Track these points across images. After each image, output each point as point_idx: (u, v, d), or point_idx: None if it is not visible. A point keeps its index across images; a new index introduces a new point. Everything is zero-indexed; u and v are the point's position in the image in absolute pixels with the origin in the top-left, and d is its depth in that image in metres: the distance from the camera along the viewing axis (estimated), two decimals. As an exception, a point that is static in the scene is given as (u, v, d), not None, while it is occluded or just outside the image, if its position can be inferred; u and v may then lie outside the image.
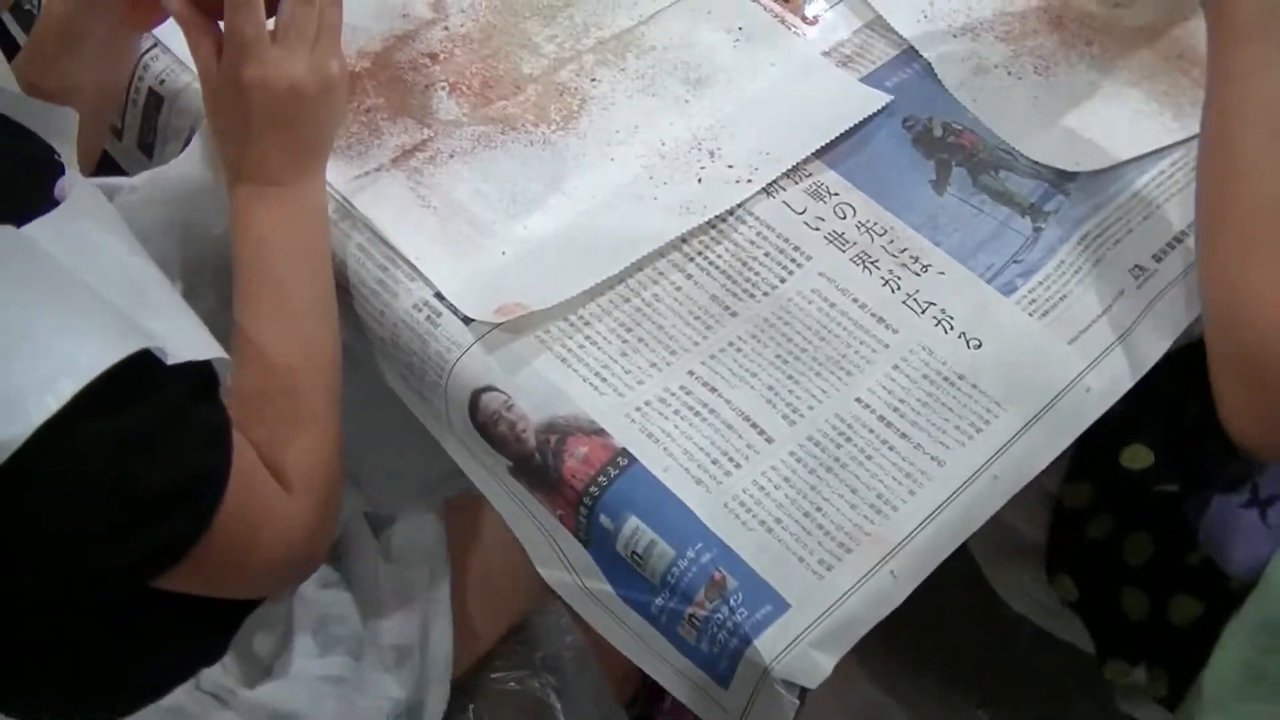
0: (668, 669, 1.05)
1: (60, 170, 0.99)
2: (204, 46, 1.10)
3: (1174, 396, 1.26)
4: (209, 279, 1.22)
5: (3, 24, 1.43)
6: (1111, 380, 1.13)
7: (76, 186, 0.98)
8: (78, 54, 1.19)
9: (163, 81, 1.31)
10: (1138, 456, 1.32)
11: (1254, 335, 1.04)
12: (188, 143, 1.27)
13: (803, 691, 0.98)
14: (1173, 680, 1.33)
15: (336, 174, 1.20)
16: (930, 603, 1.54)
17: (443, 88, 1.28)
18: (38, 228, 0.91)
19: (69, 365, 0.85)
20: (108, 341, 0.87)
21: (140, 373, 0.89)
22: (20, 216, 0.91)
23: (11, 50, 1.17)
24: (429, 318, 1.12)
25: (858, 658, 1.76)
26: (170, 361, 0.91)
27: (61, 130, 1.05)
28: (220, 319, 1.19)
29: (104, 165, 1.35)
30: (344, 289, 1.16)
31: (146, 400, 0.91)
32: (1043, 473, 1.11)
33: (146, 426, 0.91)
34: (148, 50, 1.32)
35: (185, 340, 0.96)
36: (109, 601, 1.08)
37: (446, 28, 1.33)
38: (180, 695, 1.19)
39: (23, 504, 0.87)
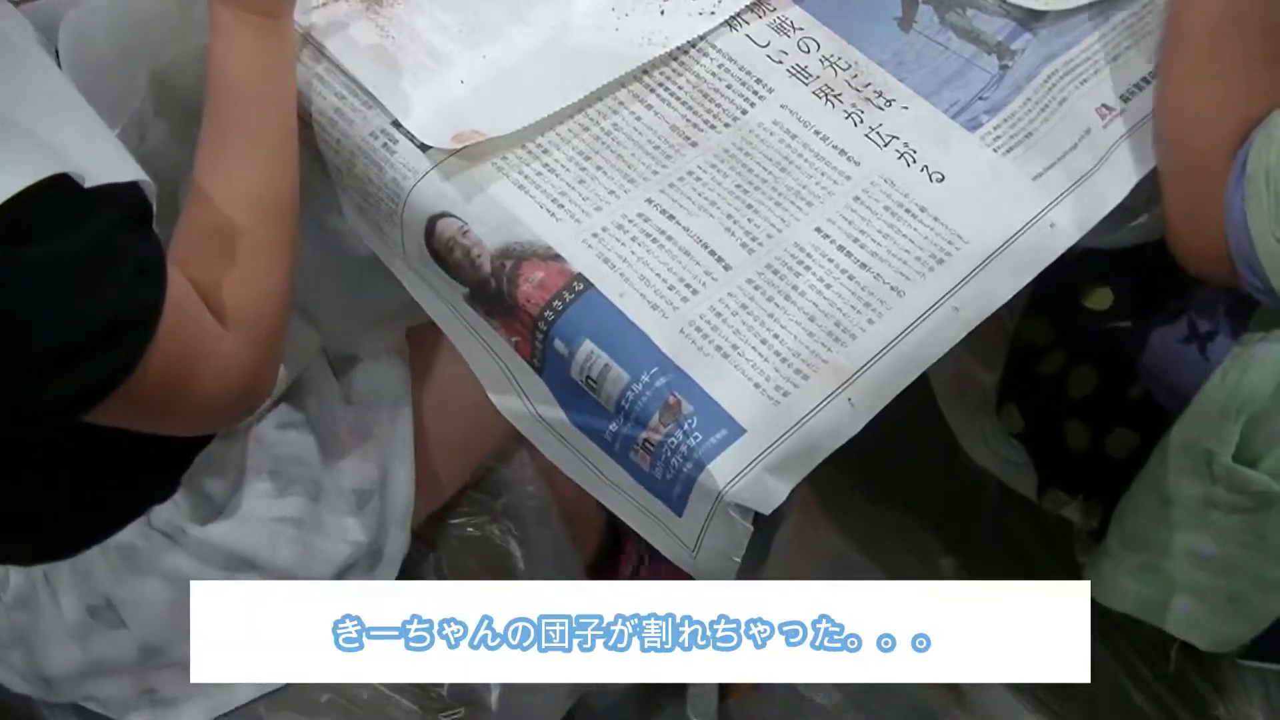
0: (622, 498, 1.05)
1: None
2: None
3: (1138, 246, 1.26)
4: (159, 107, 1.19)
5: None
6: (1075, 218, 1.12)
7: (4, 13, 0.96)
8: None
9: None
10: (1099, 298, 1.32)
11: (1196, 149, 1.11)
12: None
13: (757, 517, 0.97)
14: (1106, 514, 1.34)
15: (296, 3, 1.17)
16: (898, 455, 1.56)
17: (403, -80, 1.25)
18: None
19: None
20: (20, 165, 0.84)
21: (60, 199, 0.86)
22: None
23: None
24: (385, 145, 1.10)
25: (824, 508, 1.78)
26: (89, 184, 0.88)
27: None
28: (171, 150, 1.18)
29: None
30: (302, 120, 1.15)
31: (67, 228, 0.88)
32: (1006, 317, 1.10)
33: (69, 255, 0.88)
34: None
35: (106, 163, 0.93)
36: (47, 436, 1.07)
37: None
38: (131, 533, 1.18)
39: None
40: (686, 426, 0.97)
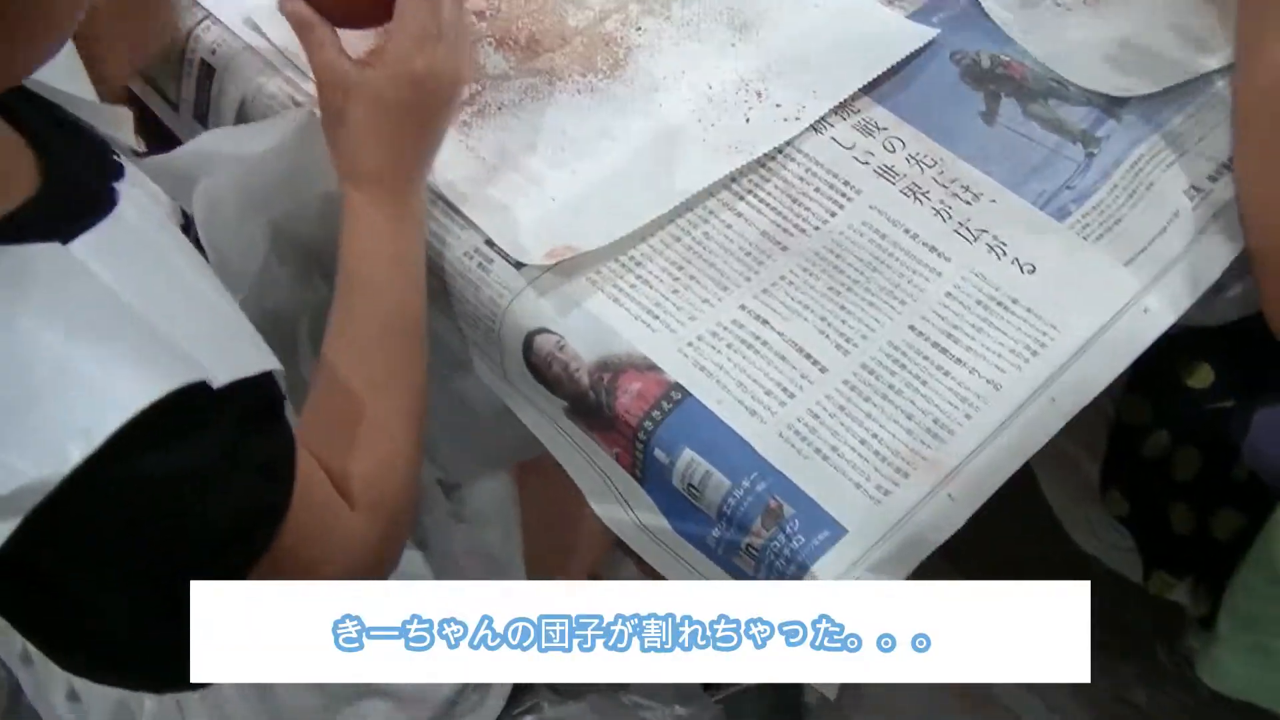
0: (730, 603, 1.05)
1: (120, 171, 0.97)
2: (328, 43, 1.09)
3: (1239, 321, 1.25)
4: (281, 255, 1.22)
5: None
6: (1170, 300, 1.12)
7: (130, 186, 0.96)
8: None
9: (214, 52, 1.32)
10: (1200, 375, 1.32)
11: (1275, 234, 1.11)
12: (238, 112, 1.28)
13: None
14: (1215, 597, 1.32)
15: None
16: (1002, 544, 1.55)
17: (489, 43, 1.28)
18: (88, 242, 0.87)
19: (110, 401, 0.80)
20: (153, 373, 0.82)
21: (191, 404, 0.84)
22: (72, 228, 0.86)
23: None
24: (480, 265, 1.13)
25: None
26: (219, 384, 0.86)
27: (117, 127, 1.04)
28: (295, 294, 1.20)
29: (163, 138, 1.36)
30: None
31: (197, 434, 0.86)
32: (1106, 400, 1.10)
33: (198, 462, 0.86)
34: (199, 22, 1.33)
35: (238, 355, 0.92)
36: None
37: (491, -15, 1.33)
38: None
39: (64, 546, 0.83)
40: (789, 530, 0.98)
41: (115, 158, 0.99)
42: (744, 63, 1.26)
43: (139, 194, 0.96)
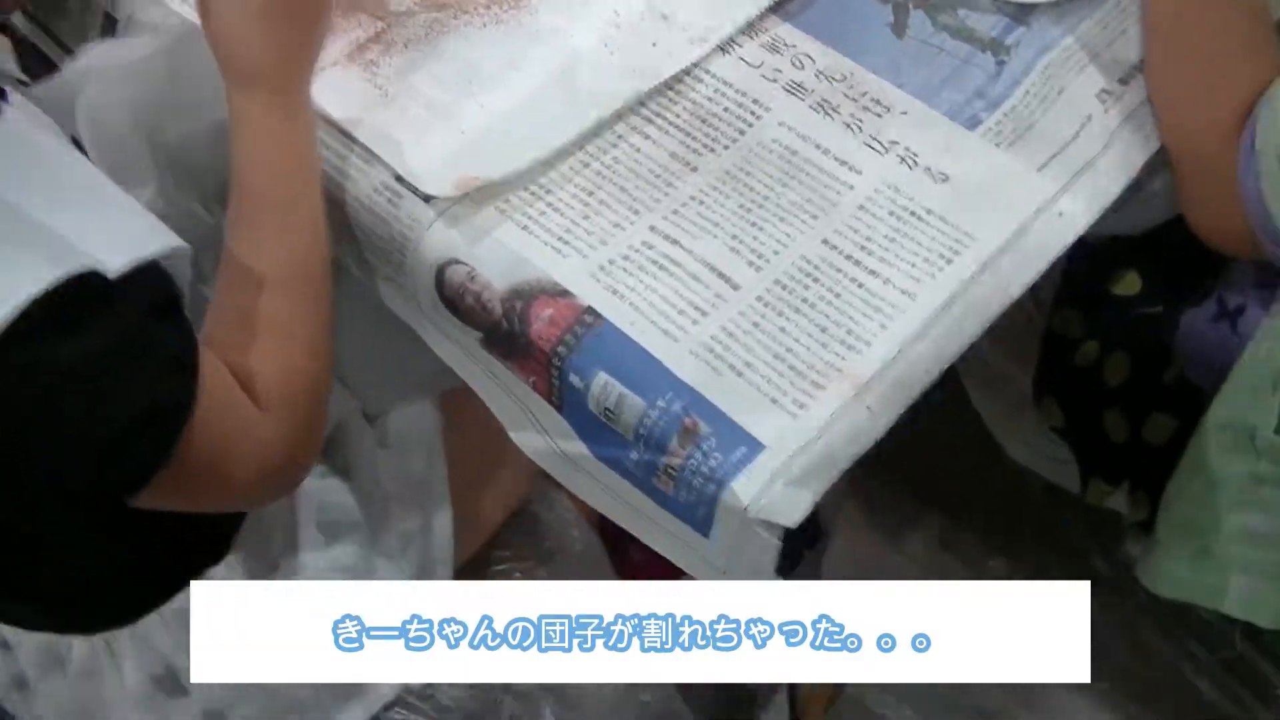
0: (651, 526, 1.05)
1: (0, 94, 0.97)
2: None
3: (1162, 227, 1.25)
4: (179, 181, 1.21)
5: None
6: (1085, 203, 1.11)
7: (14, 105, 0.96)
8: None
9: (114, 2, 1.30)
10: (1128, 283, 1.32)
11: (1193, 134, 1.13)
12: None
13: (786, 532, 0.96)
14: (1152, 502, 1.33)
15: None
16: (937, 460, 1.55)
17: (394, -21, 1.27)
18: None
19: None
20: (41, 263, 0.84)
21: (86, 293, 0.86)
22: None
23: None
24: (389, 200, 1.11)
25: (865, 514, 1.77)
26: (115, 265, 0.88)
27: None
28: (196, 224, 1.19)
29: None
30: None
31: (95, 323, 0.88)
32: (1036, 313, 1.09)
33: (99, 352, 0.88)
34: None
35: (133, 238, 0.93)
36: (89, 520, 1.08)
37: (394, -79, 1.31)
38: (188, 596, 1.19)
39: None
40: (706, 448, 0.97)
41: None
42: (649, -13, 1.25)
43: (21, 110, 0.97)
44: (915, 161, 1.12)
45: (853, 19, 1.23)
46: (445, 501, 1.35)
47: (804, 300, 1.04)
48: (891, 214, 1.09)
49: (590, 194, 1.11)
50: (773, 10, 1.23)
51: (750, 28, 1.21)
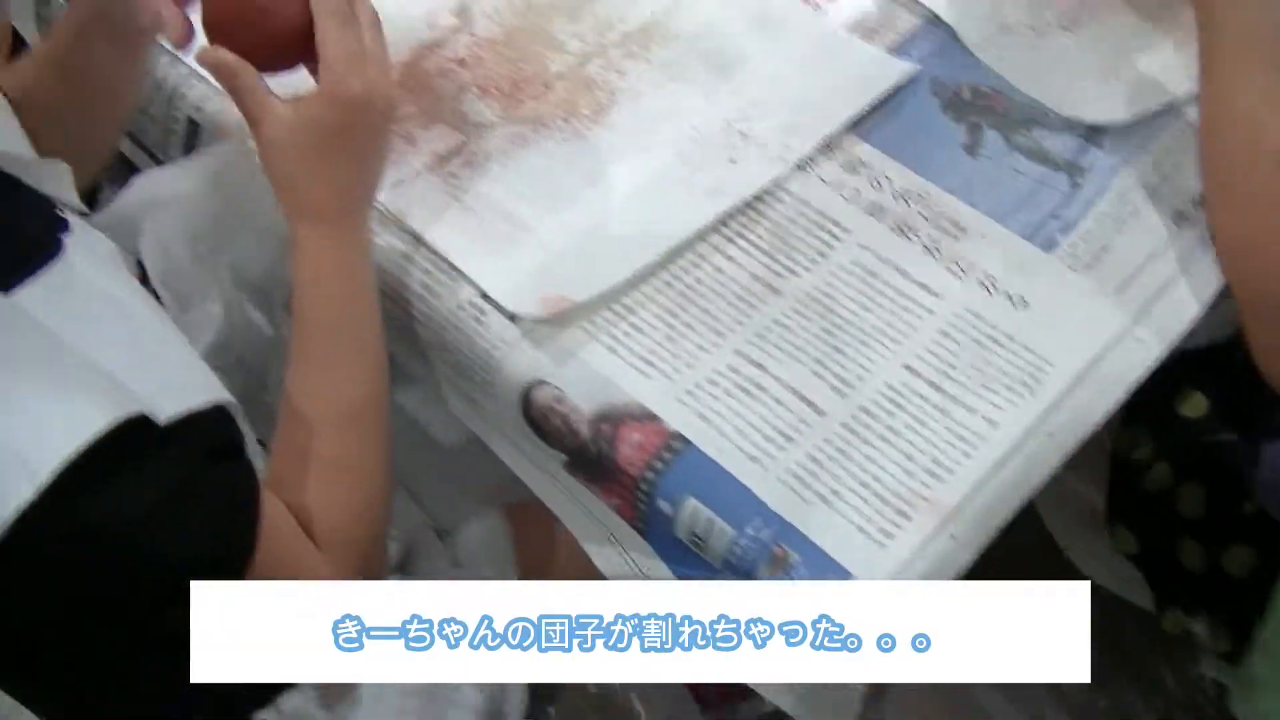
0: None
1: (64, 224, 0.98)
2: (256, 85, 1.07)
3: (1226, 343, 1.26)
4: (245, 296, 1.22)
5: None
6: (1162, 328, 1.12)
7: (76, 238, 0.96)
8: (88, 55, 1.19)
9: (199, 109, 1.31)
10: (1194, 404, 1.32)
11: (1267, 284, 1.09)
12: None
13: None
14: (1234, 633, 1.32)
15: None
16: (1002, 574, 1.55)
17: (473, 92, 1.29)
18: (30, 290, 0.89)
19: (51, 436, 0.82)
20: (94, 407, 0.84)
21: (137, 438, 0.85)
22: (13, 279, 0.88)
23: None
24: (475, 317, 1.13)
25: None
26: (165, 416, 0.87)
27: (58, 181, 1.04)
28: (269, 337, 1.21)
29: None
30: (389, 298, 1.17)
31: (147, 468, 0.87)
32: (1104, 432, 1.10)
33: (149, 499, 0.87)
34: (183, 80, 1.33)
35: (184, 389, 0.92)
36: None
37: (472, 33, 1.33)
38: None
39: (21, 587, 0.84)
40: (794, 577, 0.98)
41: (59, 212, 0.99)
42: (727, 103, 1.27)
43: (87, 243, 0.97)
44: (994, 286, 1.13)
45: (928, 138, 1.24)
46: None
47: (889, 428, 1.05)
48: (974, 340, 1.10)
49: (674, 315, 1.12)
50: (850, 129, 1.24)
51: (828, 146, 1.23)
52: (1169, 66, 1.28)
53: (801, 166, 1.22)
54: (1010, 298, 1.13)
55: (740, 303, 1.13)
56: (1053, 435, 1.06)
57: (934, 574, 0.99)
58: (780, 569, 0.99)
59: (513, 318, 1.12)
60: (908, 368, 1.09)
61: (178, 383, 0.93)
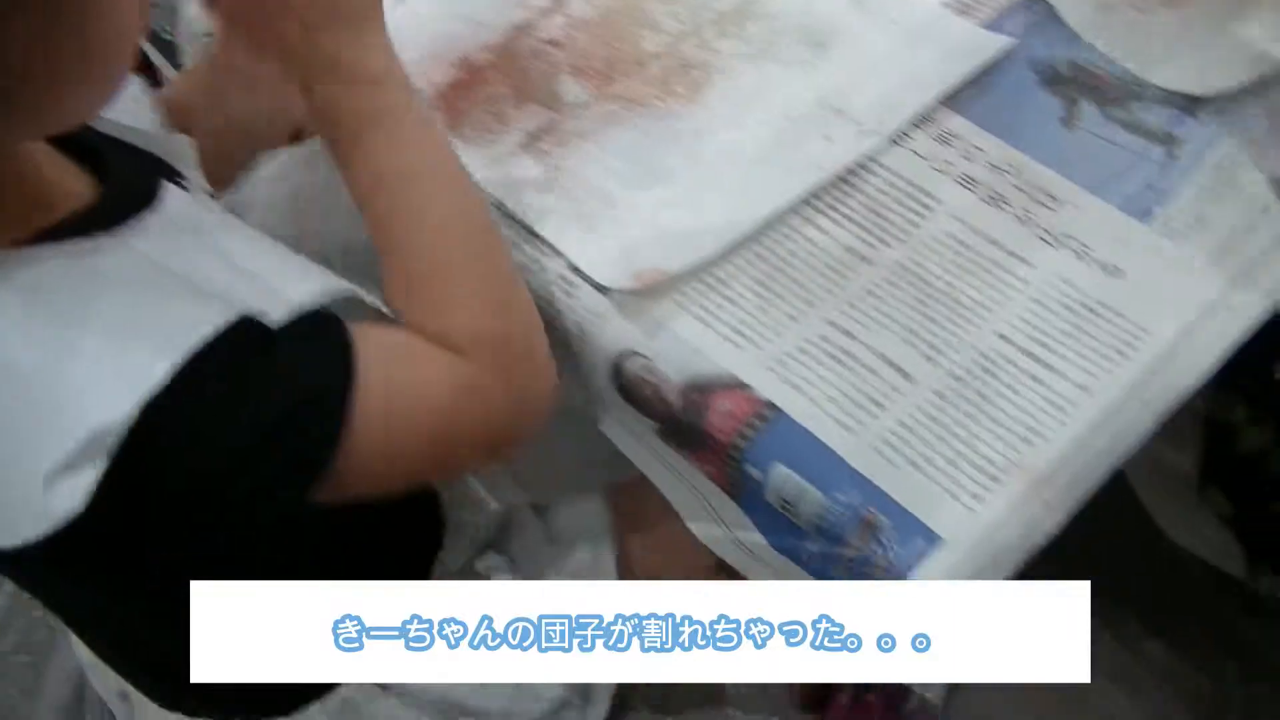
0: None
1: (171, 176, 1.00)
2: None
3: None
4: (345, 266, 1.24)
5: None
6: (1258, 297, 1.11)
7: (178, 196, 0.98)
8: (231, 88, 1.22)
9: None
10: (1293, 367, 1.31)
11: None
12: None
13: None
14: None
15: (467, 162, 1.22)
16: (1096, 543, 1.54)
17: (567, 72, 1.30)
18: (134, 229, 0.92)
19: (167, 344, 0.84)
20: (208, 316, 0.86)
21: (248, 339, 0.87)
22: (116, 221, 0.91)
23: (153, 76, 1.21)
24: (565, 292, 1.14)
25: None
26: (282, 312, 0.89)
27: (179, 156, 1.06)
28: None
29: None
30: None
31: (257, 362, 0.88)
32: (1198, 399, 1.09)
33: (262, 381, 0.88)
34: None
35: (302, 284, 0.94)
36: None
37: (566, 14, 1.34)
38: (349, 688, 1.21)
39: (149, 477, 0.85)
40: (885, 541, 0.98)
41: (179, 180, 1.02)
42: (822, 81, 1.27)
43: (190, 200, 1.00)
44: (1088, 255, 1.12)
45: (1022, 111, 1.24)
46: None
47: (980, 394, 1.05)
48: (1066, 308, 1.09)
49: (765, 286, 1.12)
50: (943, 103, 1.24)
51: (921, 120, 1.23)
52: (1268, 36, 1.26)
53: (895, 140, 1.21)
54: (1104, 266, 1.12)
55: (831, 273, 1.13)
56: (1146, 402, 1.05)
57: (1024, 537, 0.99)
58: (870, 533, 0.99)
59: (603, 290, 1.12)
60: (1000, 335, 1.08)
61: (294, 276, 0.96)
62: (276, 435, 0.89)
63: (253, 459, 0.88)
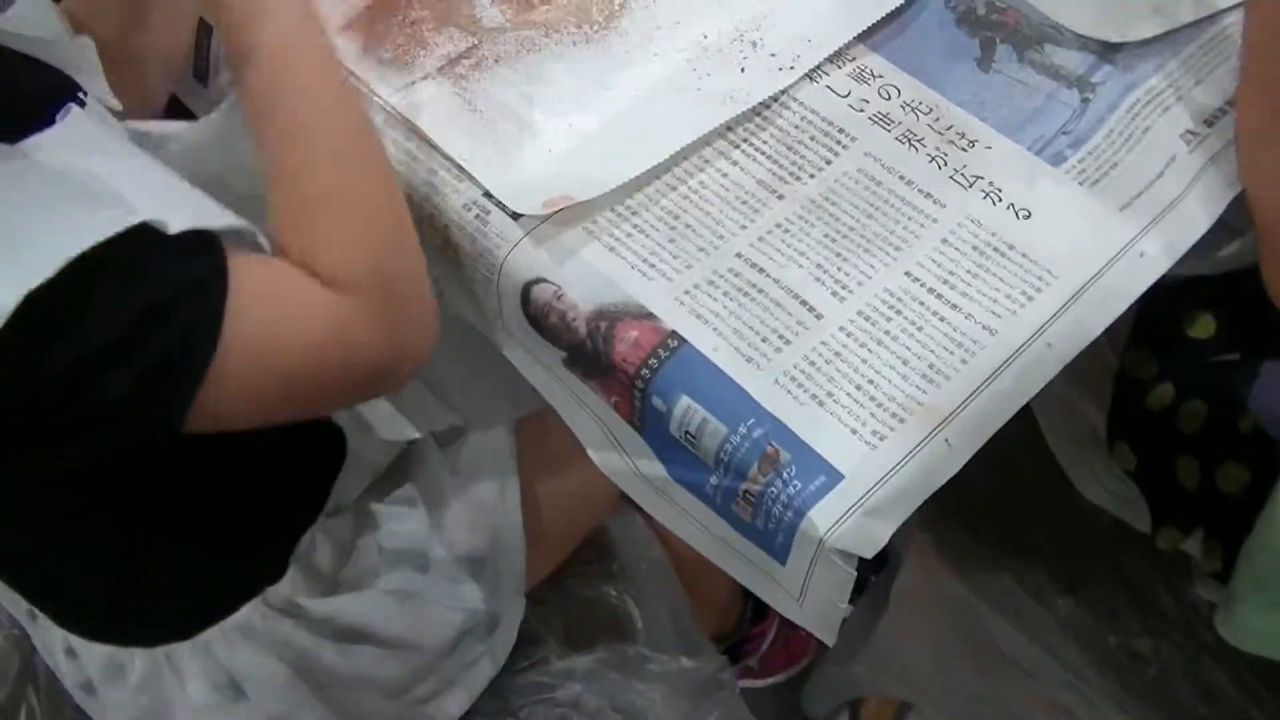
0: (727, 551, 1.06)
1: (70, 94, 1.00)
2: None
3: (1240, 272, 1.25)
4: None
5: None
6: (1166, 245, 1.12)
7: (84, 112, 0.99)
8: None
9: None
10: (1202, 325, 1.32)
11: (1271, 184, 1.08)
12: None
13: (861, 562, 0.97)
14: (1226, 552, 1.32)
15: (384, 85, 1.21)
16: (1008, 496, 1.55)
17: (486, -4, 1.28)
18: (34, 144, 0.92)
19: (59, 246, 0.85)
20: (101, 220, 0.87)
21: (141, 245, 0.89)
22: (14, 134, 0.92)
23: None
24: (478, 216, 1.13)
25: (939, 553, 1.77)
26: (174, 229, 0.90)
27: (81, 59, 1.05)
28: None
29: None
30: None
31: (142, 268, 0.90)
32: (1109, 351, 1.10)
33: (143, 285, 0.90)
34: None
35: (191, 212, 0.94)
36: (161, 510, 1.10)
37: (487, -62, 1.33)
38: (248, 612, 1.21)
39: (27, 363, 0.86)
40: (785, 475, 0.98)
41: (78, 91, 1.02)
42: (739, 12, 1.26)
43: (94, 115, 1.00)
44: (999, 197, 1.13)
45: (939, 51, 1.24)
46: (517, 527, 1.35)
47: (886, 332, 1.05)
48: (974, 249, 1.10)
49: (676, 217, 1.12)
50: (861, 39, 1.24)
51: (838, 56, 1.22)
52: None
53: (811, 76, 1.21)
54: (1015, 209, 1.12)
55: (743, 207, 1.13)
56: (1051, 345, 1.05)
57: (926, 476, 0.99)
58: (771, 467, 0.99)
59: (515, 217, 1.12)
60: (908, 274, 1.08)
61: (190, 206, 0.95)
62: (148, 333, 0.89)
63: (124, 353, 0.89)
